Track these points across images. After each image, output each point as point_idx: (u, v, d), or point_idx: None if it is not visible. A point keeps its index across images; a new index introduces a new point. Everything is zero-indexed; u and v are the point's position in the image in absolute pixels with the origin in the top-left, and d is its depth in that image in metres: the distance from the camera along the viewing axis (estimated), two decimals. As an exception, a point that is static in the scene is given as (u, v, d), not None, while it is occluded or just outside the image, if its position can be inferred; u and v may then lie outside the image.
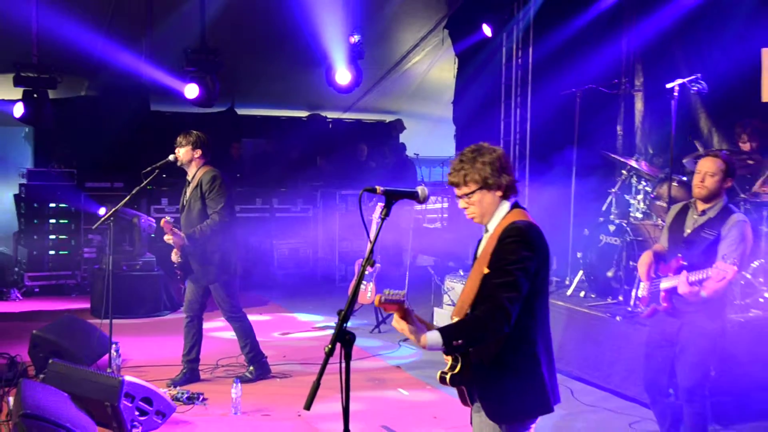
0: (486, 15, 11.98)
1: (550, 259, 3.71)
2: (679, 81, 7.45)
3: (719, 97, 8.54)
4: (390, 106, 16.64)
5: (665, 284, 5.46)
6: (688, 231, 5.55)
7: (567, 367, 7.87)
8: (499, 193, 3.66)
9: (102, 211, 10.83)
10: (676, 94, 7.41)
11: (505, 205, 3.69)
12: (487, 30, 11.93)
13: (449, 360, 3.62)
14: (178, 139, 7.40)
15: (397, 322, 3.43)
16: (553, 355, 3.76)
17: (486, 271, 3.56)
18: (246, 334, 7.62)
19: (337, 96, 13.34)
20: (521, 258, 3.49)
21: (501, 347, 3.55)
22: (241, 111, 15.33)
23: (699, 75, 7.50)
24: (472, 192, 3.65)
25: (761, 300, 7.18)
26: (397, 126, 16.61)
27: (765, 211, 7.34)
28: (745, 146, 7.92)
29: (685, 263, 5.36)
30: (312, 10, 11.67)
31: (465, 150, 3.72)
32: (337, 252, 13.18)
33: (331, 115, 16.44)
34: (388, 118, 16.89)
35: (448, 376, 3.61)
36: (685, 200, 6.09)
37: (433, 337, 3.38)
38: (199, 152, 7.38)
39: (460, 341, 3.40)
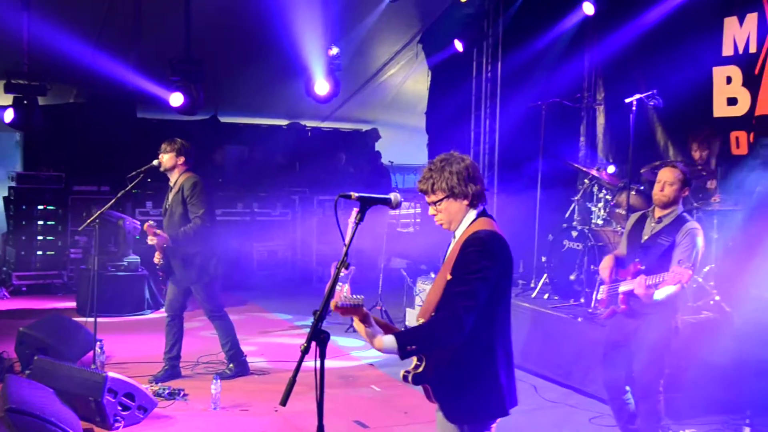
0: (458, 31, 12.06)
1: (513, 267, 3.66)
2: (637, 96, 7.54)
3: (674, 111, 8.64)
4: (366, 115, 16.66)
5: (623, 287, 5.51)
6: (646, 237, 5.61)
7: (531, 365, 7.91)
8: (465, 202, 3.62)
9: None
10: (634, 108, 7.51)
11: (472, 214, 3.65)
12: (458, 45, 12.00)
13: (414, 359, 3.61)
14: (163, 145, 7.38)
15: (357, 324, 3.43)
16: (512, 360, 3.72)
17: (449, 277, 3.54)
18: (227, 333, 7.60)
19: (315, 106, 13.33)
20: (481, 268, 3.45)
21: (460, 351, 3.51)
22: (224, 119, 15.29)
23: (655, 90, 7.60)
24: (440, 200, 3.63)
25: (712, 303, 7.26)
26: (373, 135, 16.64)
27: (716, 219, 7.43)
28: (696, 154, 8.01)
29: (642, 267, 5.43)
30: (292, 23, 11.67)
31: (435, 159, 3.69)
32: (315, 254, 13.17)
33: (310, 123, 16.43)
34: (365, 127, 16.91)
35: (410, 375, 3.59)
36: (642, 208, 6.16)
37: (389, 341, 3.38)
38: (182, 159, 7.36)
39: (414, 347, 3.39)
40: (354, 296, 3.36)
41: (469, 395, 3.56)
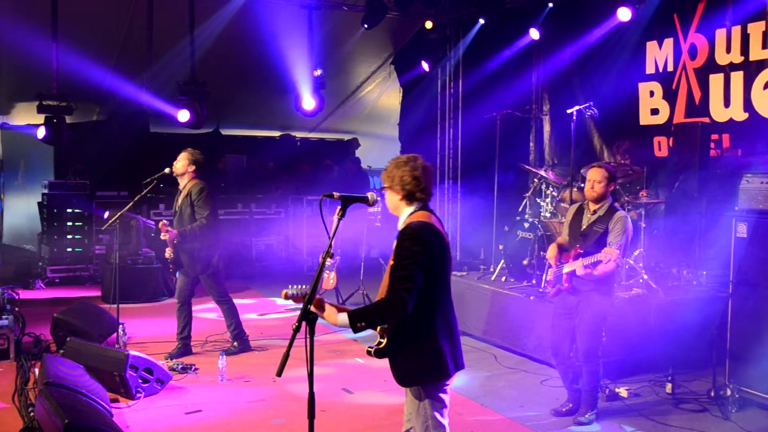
0: (424, 54, 12.11)
1: (446, 251, 3.68)
2: (577, 107, 7.59)
3: (608, 120, 8.76)
4: (347, 127, 16.65)
5: (566, 269, 5.59)
6: (584, 227, 5.69)
7: (492, 337, 7.97)
8: (398, 197, 3.69)
9: (106, 214, 10.66)
10: (574, 118, 7.56)
11: (408, 209, 3.70)
12: (425, 66, 12.06)
13: (378, 337, 3.64)
14: (182, 154, 7.37)
15: (314, 309, 3.45)
16: (455, 329, 3.72)
17: (392, 263, 3.59)
18: (231, 315, 7.61)
19: (303, 119, 13.32)
20: (413, 253, 3.48)
21: (406, 327, 3.55)
22: (225, 131, 15.24)
23: (592, 103, 7.67)
24: (384, 188, 3.75)
25: (641, 281, 7.36)
26: (354, 143, 16.62)
27: (643, 210, 7.53)
28: (618, 158, 8.13)
29: (581, 251, 5.51)
30: (283, 49, 11.69)
31: (401, 157, 3.77)
32: (305, 247, 13.16)
33: (299, 134, 16.39)
34: (346, 137, 16.89)
35: (373, 350, 3.63)
36: (581, 201, 6.24)
37: (343, 318, 3.43)
38: (193, 167, 7.36)
39: (363, 323, 3.43)
40: (302, 287, 3.40)
41: (415, 363, 3.60)
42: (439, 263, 3.61)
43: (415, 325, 3.56)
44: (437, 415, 3.63)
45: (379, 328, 3.63)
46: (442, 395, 3.65)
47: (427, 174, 3.72)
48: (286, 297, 3.41)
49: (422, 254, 3.50)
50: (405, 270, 3.47)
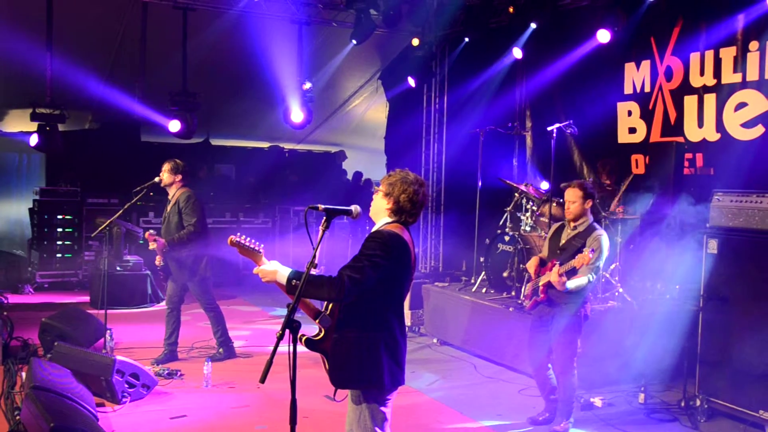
0: (411, 70, 12.14)
1: (410, 267, 3.65)
2: (557, 125, 7.68)
3: (587, 138, 8.84)
4: (334, 139, 16.69)
5: (543, 280, 5.65)
6: (563, 242, 5.76)
7: (471, 347, 8.01)
8: (388, 206, 3.68)
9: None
10: (555, 135, 7.64)
11: (387, 219, 3.70)
12: (411, 81, 12.09)
13: (317, 330, 3.64)
14: (164, 165, 7.40)
15: (256, 270, 3.47)
16: (401, 347, 3.65)
17: None
18: (218, 322, 7.61)
19: (292, 131, 13.32)
20: (374, 254, 3.47)
21: (351, 329, 3.56)
22: (215, 142, 15.24)
23: (571, 120, 7.77)
24: (378, 191, 3.74)
25: (617, 294, 7.43)
26: (341, 156, 16.69)
27: (620, 226, 7.62)
28: (603, 178, 8.22)
29: (558, 264, 5.57)
30: (273, 62, 11.72)
31: (410, 174, 3.73)
32: (291, 257, 13.14)
33: (287, 146, 16.41)
34: (333, 149, 16.95)
35: (304, 339, 3.62)
36: (562, 217, 6.31)
37: (283, 272, 3.40)
38: (179, 176, 7.39)
39: (297, 283, 3.35)
40: (255, 241, 3.39)
41: (351, 367, 3.57)
42: (399, 276, 3.60)
43: (359, 331, 3.55)
44: (377, 429, 3.60)
45: (318, 319, 3.60)
46: (382, 408, 3.62)
47: (423, 204, 3.74)
48: (232, 243, 3.39)
49: (382, 258, 3.47)
50: (359, 263, 3.47)
